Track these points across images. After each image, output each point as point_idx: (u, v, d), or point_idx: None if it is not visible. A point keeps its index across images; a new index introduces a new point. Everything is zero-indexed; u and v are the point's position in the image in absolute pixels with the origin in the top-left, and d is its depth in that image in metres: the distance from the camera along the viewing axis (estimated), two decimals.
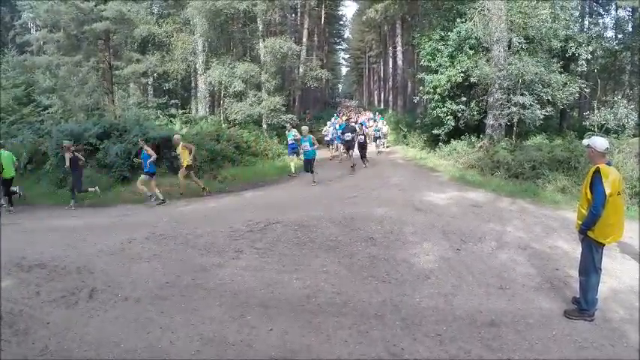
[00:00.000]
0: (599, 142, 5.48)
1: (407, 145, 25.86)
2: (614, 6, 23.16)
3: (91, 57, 23.77)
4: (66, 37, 23.88)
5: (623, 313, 5.69)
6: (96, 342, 5.03)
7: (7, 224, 10.20)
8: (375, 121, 27.78)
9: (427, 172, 17.36)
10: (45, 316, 5.54)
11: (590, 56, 17.57)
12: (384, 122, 27.13)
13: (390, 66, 44.06)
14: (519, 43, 17.42)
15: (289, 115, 24.81)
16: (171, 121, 23.23)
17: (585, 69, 17.90)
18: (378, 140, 24.27)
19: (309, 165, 15.11)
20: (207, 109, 26.00)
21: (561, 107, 18.67)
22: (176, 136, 13.83)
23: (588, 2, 23.44)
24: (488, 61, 18.49)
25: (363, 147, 19.17)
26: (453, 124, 19.86)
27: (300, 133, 16.21)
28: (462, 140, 19.52)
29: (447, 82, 19.35)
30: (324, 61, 39.05)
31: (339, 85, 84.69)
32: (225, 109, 25.01)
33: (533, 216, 10.41)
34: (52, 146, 15.40)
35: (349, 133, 18.74)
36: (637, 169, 12.38)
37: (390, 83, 45.79)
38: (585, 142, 5.71)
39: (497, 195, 12.78)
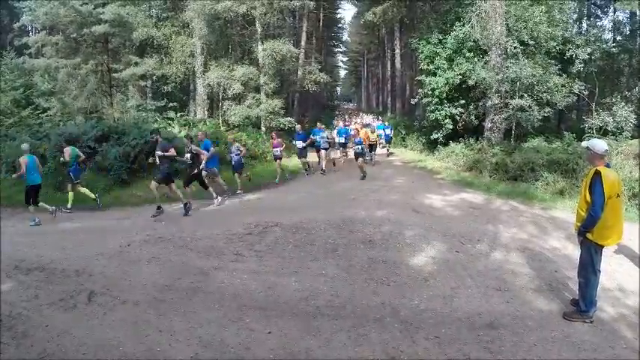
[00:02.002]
0: (599, 144, 5.49)
1: (405, 147, 25.89)
2: (612, 8, 23.21)
3: (89, 60, 23.79)
4: (64, 40, 23.91)
5: (622, 315, 5.71)
6: (94, 345, 5.02)
7: (5, 227, 10.18)
8: (370, 129, 21.39)
9: (426, 174, 17.37)
10: (43, 319, 5.54)
11: (587, 56, 17.60)
12: (382, 130, 23.80)
13: (389, 69, 44.01)
14: (515, 47, 17.45)
15: (288, 118, 24.84)
16: (169, 124, 23.22)
17: (581, 68, 17.93)
18: (360, 158, 16.75)
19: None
20: (206, 112, 25.98)
21: (560, 109, 18.70)
22: None
23: (587, 4, 23.49)
24: (486, 64, 18.52)
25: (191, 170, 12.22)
26: (451, 126, 19.89)
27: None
28: (460, 143, 19.53)
29: (446, 84, 19.38)
30: (323, 64, 38.96)
31: (338, 88, 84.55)
32: (224, 111, 25.01)
33: (531, 218, 10.43)
34: (51, 149, 15.35)
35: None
36: (636, 171, 12.41)
37: (388, 86, 45.72)
38: (584, 144, 5.72)
39: (496, 197, 12.81)
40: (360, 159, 16.64)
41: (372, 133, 20.18)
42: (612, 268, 7.03)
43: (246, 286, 6.57)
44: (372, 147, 19.86)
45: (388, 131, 24.27)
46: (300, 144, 17.81)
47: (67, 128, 17.36)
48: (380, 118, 32.23)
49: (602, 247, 5.49)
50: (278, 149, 16.70)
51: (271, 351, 4.96)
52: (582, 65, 17.86)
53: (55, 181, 14.57)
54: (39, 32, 27.67)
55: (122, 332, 5.28)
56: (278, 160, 16.86)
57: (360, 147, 16.88)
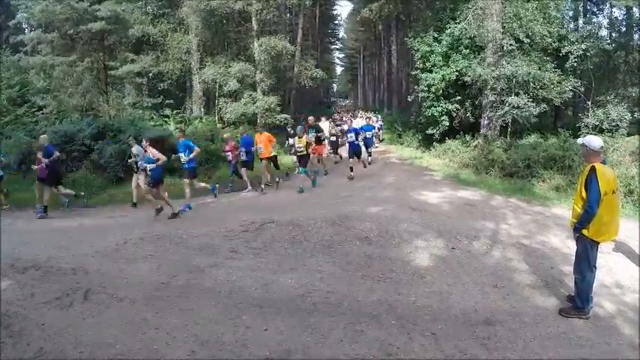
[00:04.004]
0: (595, 141, 5.51)
1: (402, 144, 25.85)
2: (608, 5, 23.19)
3: (85, 57, 23.62)
4: (60, 38, 23.74)
5: (618, 311, 5.73)
6: (91, 343, 5.01)
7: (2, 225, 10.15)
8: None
9: (422, 171, 17.33)
10: (40, 318, 5.52)
11: (581, 53, 17.62)
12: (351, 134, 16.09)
13: (385, 65, 44.03)
14: (510, 44, 17.46)
15: (284, 115, 24.79)
16: (165, 121, 23.17)
17: (575, 64, 17.94)
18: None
19: None
20: (202, 109, 25.95)
21: (556, 106, 18.69)
22: None
23: (582, 1, 23.45)
24: (482, 60, 18.52)
25: None
26: (447, 123, 19.88)
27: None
28: (456, 139, 19.54)
29: (442, 81, 19.36)
30: (319, 61, 38.94)
31: (334, 85, 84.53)
32: (220, 108, 24.98)
33: (527, 214, 10.45)
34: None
35: None
36: (632, 168, 12.45)
37: (384, 83, 45.74)
38: (580, 140, 5.74)
39: (492, 193, 12.80)
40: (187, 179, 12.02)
41: (299, 138, 14.02)
42: (609, 265, 7.06)
43: (243, 283, 6.57)
44: (300, 160, 14.18)
45: (362, 135, 17.04)
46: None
47: (63, 126, 17.33)
48: (379, 116, 31.39)
49: (597, 243, 5.51)
50: None
51: (268, 348, 4.96)
52: (576, 61, 17.87)
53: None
54: (34, 30, 27.54)
55: (119, 330, 5.27)
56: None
57: (187, 166, 11.98)
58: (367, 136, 18.34)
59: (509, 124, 18.09)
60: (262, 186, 14.35)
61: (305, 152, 14.00)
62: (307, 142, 14.10)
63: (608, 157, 12.55)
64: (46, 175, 11.62)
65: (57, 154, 12.00)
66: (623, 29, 22.70)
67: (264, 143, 14.66)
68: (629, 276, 6.75)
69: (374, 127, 20.40)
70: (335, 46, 70.58)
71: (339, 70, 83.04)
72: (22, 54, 24.72)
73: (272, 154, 15.03)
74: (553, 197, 12.29)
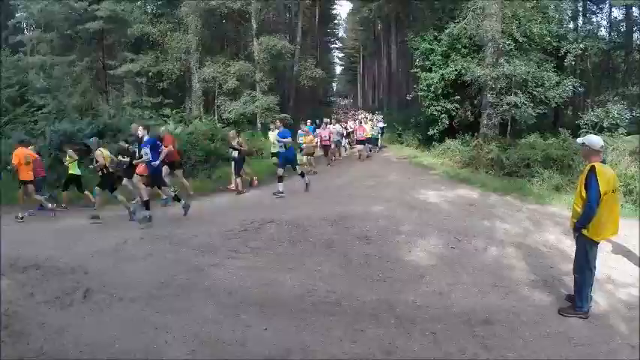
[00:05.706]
0: (595, 140, 5.50)
1: (401, 143, 25.86)
2: (607, 5, 23.22)
3: (84, 57, 23.68)
4: (59, 37, 23.80)
5: (616, 310, 5.73)
6: (91, 343, 5.00)
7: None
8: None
9: (421, 170, 17.37)
10: (40, 317, 5.51)
11: (580, 52, 17.63)
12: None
13: (385, 65, 44.00)
14: (508, 44, 17.46)
15: (283, 115, 24.79)
16: (165, 121, 23.15)
17: (573, 63, 17.96)
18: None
19: None
20: (202, 109, 25.97)
21: (555, 106, 18.71)
22: None
23: (582, 1, 23.48)
24: (481, 60, 18.53)
25: None
26: (447, 122, 19.92)
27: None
28: (456, 139, 19.57)
29: (441, 80, 19.39)
30: (319, 60, 38.92)
31: (334, 85, 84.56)
32: (219, 107, 24.98)
33: (526, 213, 10.46)
34: (46, 146, 15.31)
35: None
36: (632, 167, 12.44)
37: (384, 82, 45.73)
38: (580, 140, 5.73)
39: (491, 193, 12.82)
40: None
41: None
42: (608, 264, 7.05)
43: (242, 282, 6.56)
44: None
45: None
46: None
47: (63, 125, 17.28)
48: (381, 117, 29.84)
49: (597, 243, 5.51)
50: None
51: (267, 347, 4.97)
52: (575, 61, 17.88)
53: (49, 178, 14.52)
54: (34, 29, 27.57)
55: (118, 330, 5.27)
56: None
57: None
58: (280, 149, 13.25)
59: (509, 123, 18.09)
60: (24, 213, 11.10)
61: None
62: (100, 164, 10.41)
63: (607, 156, 12.55)
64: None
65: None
66: (623, 29, 22.76)
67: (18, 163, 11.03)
68: (628, 275, 6.75)
69: (287, 136, 13.18)
70: (334, 46, 70.76)
71: (338, 69, 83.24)
72: (22, 54, 24.72)
73: (75, 173, 12.14)
74: (552, 196, 12.29)
